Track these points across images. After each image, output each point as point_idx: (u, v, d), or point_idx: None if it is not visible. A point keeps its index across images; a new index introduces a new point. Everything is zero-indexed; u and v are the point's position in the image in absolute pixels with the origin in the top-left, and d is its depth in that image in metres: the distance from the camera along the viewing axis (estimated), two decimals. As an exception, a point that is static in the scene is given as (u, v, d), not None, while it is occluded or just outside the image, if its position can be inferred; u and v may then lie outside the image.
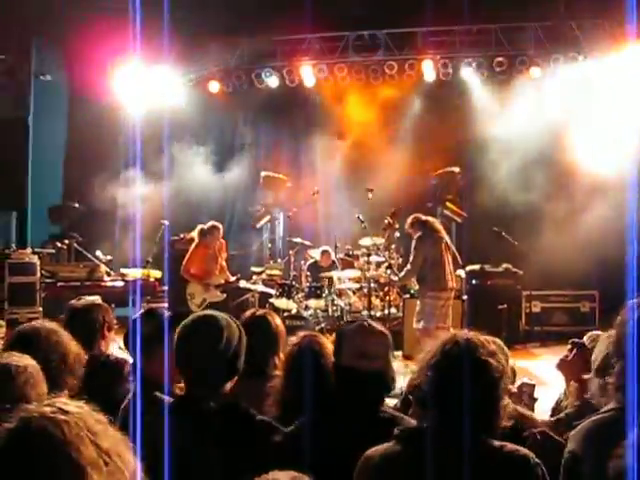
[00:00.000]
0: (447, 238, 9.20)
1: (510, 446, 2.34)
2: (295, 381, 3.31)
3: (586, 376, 3.65)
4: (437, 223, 9.28)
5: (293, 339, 3.62)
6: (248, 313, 4.36)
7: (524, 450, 2.35)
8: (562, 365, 4.06)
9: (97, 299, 5.51)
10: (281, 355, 3.85)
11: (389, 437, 2.46)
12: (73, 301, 4.97)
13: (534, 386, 4.23)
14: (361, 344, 2.98)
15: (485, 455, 2.30)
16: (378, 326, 3.12)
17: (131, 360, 4.42)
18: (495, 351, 2.40)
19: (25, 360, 2.80)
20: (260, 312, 4.42)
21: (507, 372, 2.42)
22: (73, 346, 3.45)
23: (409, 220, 9.14)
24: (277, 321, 4.34)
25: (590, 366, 3.37)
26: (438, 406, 2.34)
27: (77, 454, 1.59)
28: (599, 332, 3.53)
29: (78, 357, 3.49)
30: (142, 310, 4.01)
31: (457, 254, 9.34)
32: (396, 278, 9.58)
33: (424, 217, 9.25)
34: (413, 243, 8.94)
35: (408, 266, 9.01)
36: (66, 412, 1.66)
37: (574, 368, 3.90)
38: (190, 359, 2.82)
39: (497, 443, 2.33)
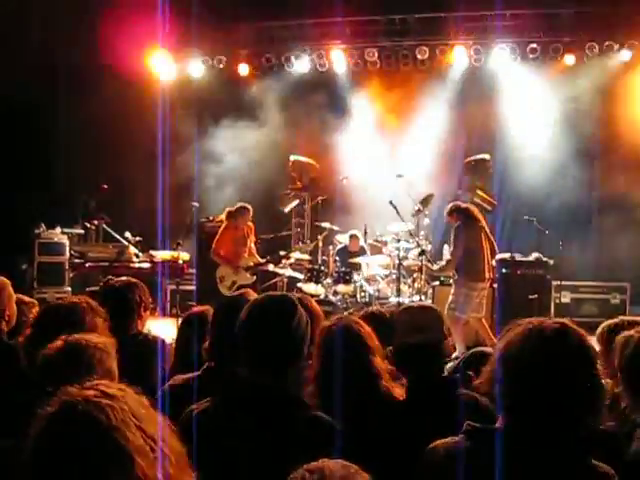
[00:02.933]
0: (487, 227, 9.08)
1: (598, 465, 2.07)
2: (331, 367, 3.08)
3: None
4: (477, 211, 9.11)
5: (326, 322, 3.44)
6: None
7: (606, 467, 2.09)
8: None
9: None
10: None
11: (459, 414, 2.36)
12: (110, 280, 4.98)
13: None
14: (411, 319, 3.06)
15: (566, 468, 2.05)
16: (428, 304, 3.15)
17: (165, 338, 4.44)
18: (582, 343, 2.12)
19: (97, 337, 2.80)
20: (297, 296, 4.36)
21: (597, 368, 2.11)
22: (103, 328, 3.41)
23: (448, 208, 8.99)
24: (315, 306, 4.27)
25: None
26: (517, 410, 2.09)
27: (124, 440, 1.53)
28: (632, 331, 3.30)
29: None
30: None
31: (495, 243, 9.21)
32: (436, 267, 9.47)
33: (464, 205, 9.09)
34: (453, 232, 8.79)
35: (448, 256, 8.90)
36: (110, 396, 1.60)
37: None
38: (256, 339, 2.61)
39: (586, 458, 2.08)
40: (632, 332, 3.21)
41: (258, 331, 2.62)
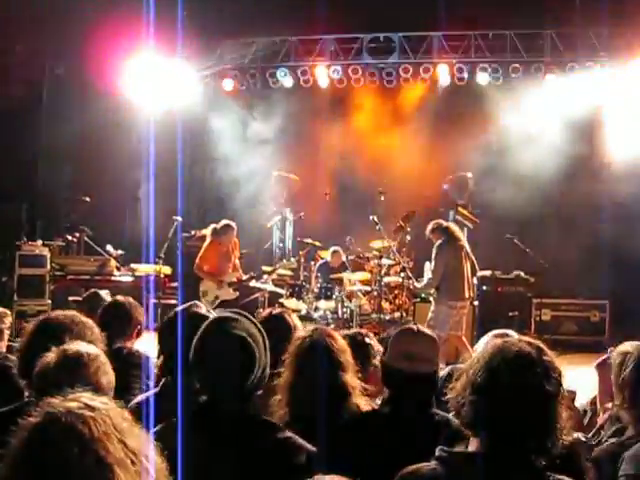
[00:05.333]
0: (467, 246, 9.14)
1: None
2: (300, 380, 3.12)
3: (609, 404, 3.54)
4: (458, 230, 9.21)
5: (301, 332, 3.39)
6: (265, 312, 4.31)
7: None
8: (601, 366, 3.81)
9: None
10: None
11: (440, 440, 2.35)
12: (104, 293, 5.00)
13: (575, 394, 3.88)
14: (407, 346, 3.03)
15: None
16: (426, 330, 3.16)
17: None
18: (550, 364, 2.09)
19: (94, 348, 2.80)
20: (277, 311, 4.36)
21: (563, 389, 2.10)
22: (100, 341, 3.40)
23: (430, 226, 9.05)
24: (295, 320, 4.27)
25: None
26: (485, 432, 2.08)
27: (105, 452, 1.54)
28: (628, 347, 3.34)
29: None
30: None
31: (475, 262, 9.27)
32: (419, 285, 9.50)
33: (445, 223, 9.17)
34: (434, 251, 8.85)
35: (429, 274, 8.94)
36: (92, 408, 1.61)
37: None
38: (215, 374, 2.50)
39: (556, 477, 2.07)
40: (628, 348, 3.23)
41: (218, 365, 2.50)
